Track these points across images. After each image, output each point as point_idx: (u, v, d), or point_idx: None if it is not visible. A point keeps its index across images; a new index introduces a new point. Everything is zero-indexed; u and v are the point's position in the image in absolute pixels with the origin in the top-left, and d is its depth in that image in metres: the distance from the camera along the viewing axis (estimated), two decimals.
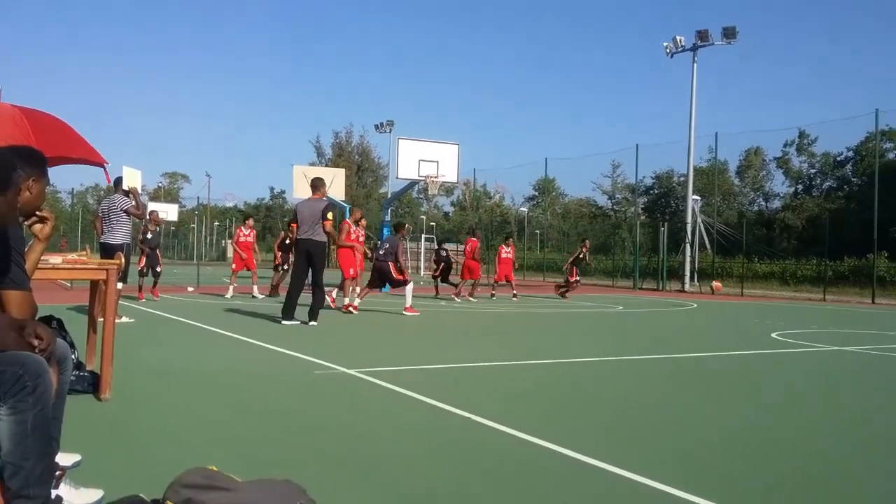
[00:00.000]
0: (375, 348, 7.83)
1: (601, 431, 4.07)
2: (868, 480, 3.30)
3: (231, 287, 14.82)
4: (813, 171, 56.82)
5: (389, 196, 29.21)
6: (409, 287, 12.21)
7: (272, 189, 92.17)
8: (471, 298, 16.81)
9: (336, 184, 23.41)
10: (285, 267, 15.67)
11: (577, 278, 19.39)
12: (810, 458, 3.67)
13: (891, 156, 49.88)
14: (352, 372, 5.62)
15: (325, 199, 10.11)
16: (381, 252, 12.59)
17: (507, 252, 18.69)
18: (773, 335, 10.18)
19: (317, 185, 10.15)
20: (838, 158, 54.27)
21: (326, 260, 10.34)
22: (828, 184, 55.47)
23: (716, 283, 25.74)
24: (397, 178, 20.61)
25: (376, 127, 49.92)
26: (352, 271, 12.78)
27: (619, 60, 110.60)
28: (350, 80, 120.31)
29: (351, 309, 11.76)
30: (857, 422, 4.68)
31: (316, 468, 3.15)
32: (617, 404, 4.95)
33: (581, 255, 19.30)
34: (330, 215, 9.67)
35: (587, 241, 20.21)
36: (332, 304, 12.25)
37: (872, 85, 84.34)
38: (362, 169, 75.93)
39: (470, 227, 20.78)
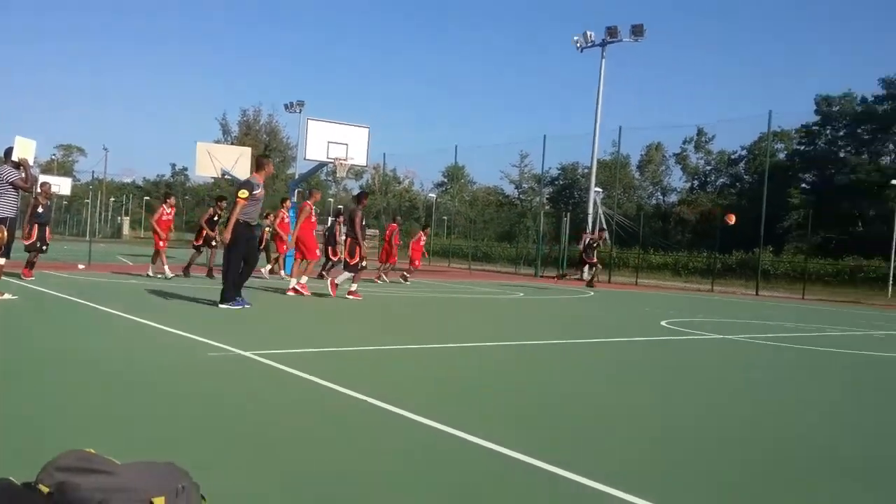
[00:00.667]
0: (281, 331, 7.74)
1: (490, 413, 4.19)
2: (720, 453, 3.54)
3: (166, 266, 14.18)
4: (709, 167, 59.59)
5: (297, 177, 28.71)
6: (349, 272, 11.63)
7: (174, 166, 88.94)
8: (378, 281, 17.10)
9: (242, 163, 22.81)
10: (213, 244, 15.30)
11: (595, 261, 20.33)
12: (679, 435, 3.90)
13: (781, 156, 52.88)
14: (247, 354, 5.54)
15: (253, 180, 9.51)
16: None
17: (423, 240, 19.73)
18: (663, 323, 10.67)
19: (261, 163, 9.70)
20: (732, 157, 57.11)
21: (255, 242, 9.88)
22: (722, 180, 58.32)
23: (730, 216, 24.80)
24: (305, 159, 20.27)
25: (286, 106, 48.92)
26: (317, 252, 12.89)
27: (531, 51, 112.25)
28: (260, 58, 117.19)
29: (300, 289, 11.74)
30: (724, 403, 4.99)
31: (202, 450, 3.11)
32: (510, 387, 5.10)
33: (593, 243, 20.08)
34: (243, 193, 9.15)
35: (603, 231, 21.21)
36: (332, 293, 11.72)
37: (766, 87, 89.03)
38: (270, 148, 74.27)
39: (392, 212, 21.31)
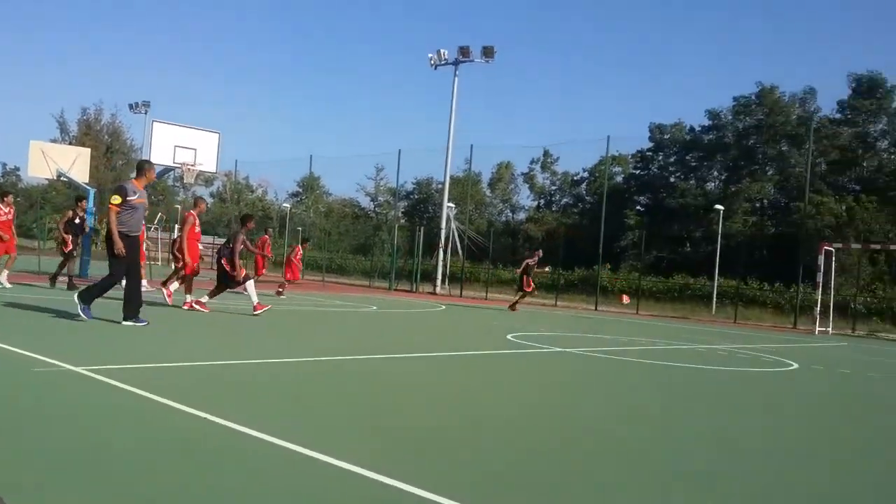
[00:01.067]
0: (125, 345, 7.32)
1: (332, 426, 4.21)
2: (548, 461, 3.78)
3: (5, 272, 12.97)
4: (554, 187, 62.46)
5: None
6: (250, 284, 11.27)
7: (4, 165, 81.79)
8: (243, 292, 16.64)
9: (80, 164, 21.41)
10: (74, 253, 14.30)
11: (532, 288, 20.07)
12: (519, 449, 4.11)
13: (618, 179, 56.40)
14: (78, 369, 5.23)
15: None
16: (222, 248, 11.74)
17: (300, 254, 19.73)
18: (509, 336, 11.09)
19: (141, 168, 8.94)
20: (575, 178, 60.22)
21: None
22: (566, 200, 61.31)
23: (625, 297, 25.86)
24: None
25: (130, 107, 46.51)
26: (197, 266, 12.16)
27: (390, 65, 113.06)
28: (102, 53, 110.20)
29: (196, 306, 11.12)
30: (565, 414, 5.29)
31: (15, 467, 2.93)
32: (352, 400, 5.13)
33: (533, 264, 19.83)
34: (115, 199, 8.47)
35: (539, 251, 20.86)
36: (168, 301, 11.53)
37: (606, 113, 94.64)
38: (112, 150, 70.16)
39: (265, 224, 21.14)
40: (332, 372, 6.51)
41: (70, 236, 14.32)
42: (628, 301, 24.83)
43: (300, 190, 68.91)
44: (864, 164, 46.96)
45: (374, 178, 66.45)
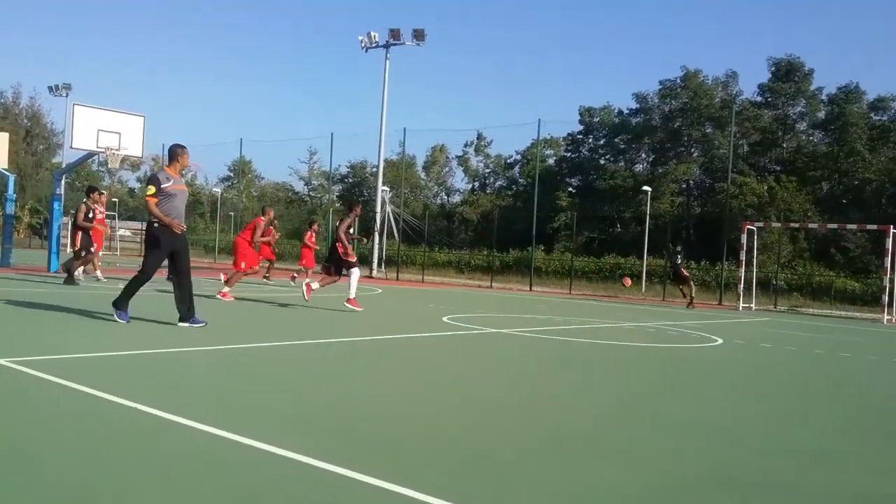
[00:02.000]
0: (64, 335, 7.11)
1: (264, 412, 4.23)
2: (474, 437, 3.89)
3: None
4: (488, 170, 62.97)
5: (64, 166, 26.29)
6: (355, 272, 11.69)
7: None
8: (293, 283, 17.56)
9: None
10: (92, 249, 14.11)
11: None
12: (451, 424, 4.21)
13: (550, 161, 57.21)
14: (3, 361, 5.08)
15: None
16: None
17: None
18: (445, 319, 11.21)
19: (173, 154, 8.28)
20: (508, 161, 60.83)
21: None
22: (499, 183, 61.90)
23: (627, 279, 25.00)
24: (72, 147, 18.69)
25: (50, 89, 44.69)
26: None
27: (321, 48, 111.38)
28: (20, 33, 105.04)
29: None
30: (498, 394, 5.43)
31: None
32: (289, 386, 5.15)
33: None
34: (149, 189, 7.96)
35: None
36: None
37: (538, 96, 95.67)
38: (32, 134, 67.34)
39: (262, 205, 20.42)
40: (254, 359, 6.48)
41: (81, 232, 14.05)
42: (630, 284, 24.29)
43: (231, 174, 67.53)
44: (784, 146, 48.89)
45: (307, 162, 65.71)
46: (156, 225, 7.91)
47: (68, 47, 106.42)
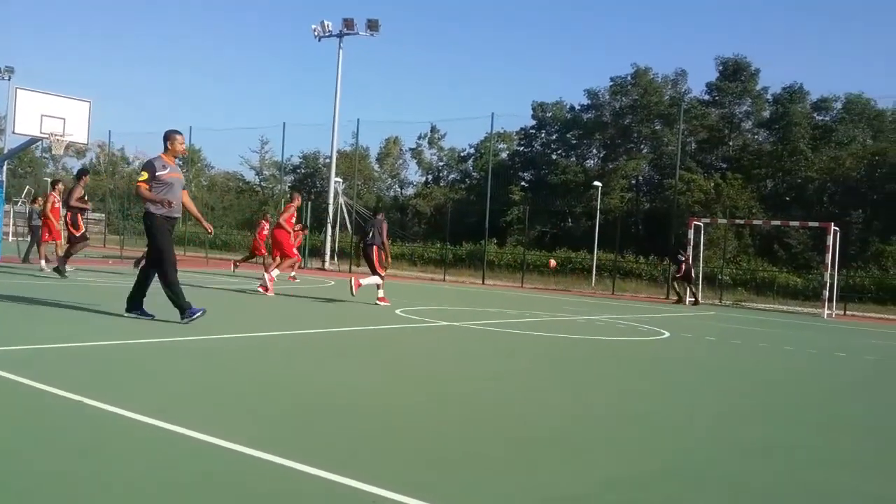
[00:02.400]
0: (14, 326, 6.88)
1: (205, 404, 4.18)
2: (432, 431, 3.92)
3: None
4: (441, 163, 62.96)
5: (6, 152, 25.42)
6: (375, 278, 12.13)
7: None
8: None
9: None
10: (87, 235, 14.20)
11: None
12: (408, 417, 4.22)
13: (503, 155, 57.50)
14: None
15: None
16: (367, 237, 12.58)
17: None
18: (397, 311, 11.20)
19: (169, 138, 7.91)
20: (462, 154, 60.93)
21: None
22: (453, 176, 61.96)
23: (552, 262, 25.92)
24: (14, 132, 18.05)
25: None
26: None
27: (273, 35, 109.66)
28: None
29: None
30: (455, 389, 5.46)
31: None
32: (236, 378, 5.09)
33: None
34: (142, 175, 7.72)
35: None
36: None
37: (491, 90, 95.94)
38: None
39: (292, 191, 19.30)
40: (213, 350, 6.40)
41: (71, 214, 13.90)
42: (555, 265, 25.42)
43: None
44: (731, 144, 50.04)
45: (258, 152, 64.73)
46: (152, 210, 7.69)
47: (10, 29, 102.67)
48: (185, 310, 7.61)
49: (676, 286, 21.18)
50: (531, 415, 4.56)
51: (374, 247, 12.35)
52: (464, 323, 10.26)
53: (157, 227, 7.67)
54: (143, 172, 7.80)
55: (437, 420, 4.25)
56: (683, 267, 20.23)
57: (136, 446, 3.26)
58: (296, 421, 3.94)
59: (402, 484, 2.90)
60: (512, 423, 4.30)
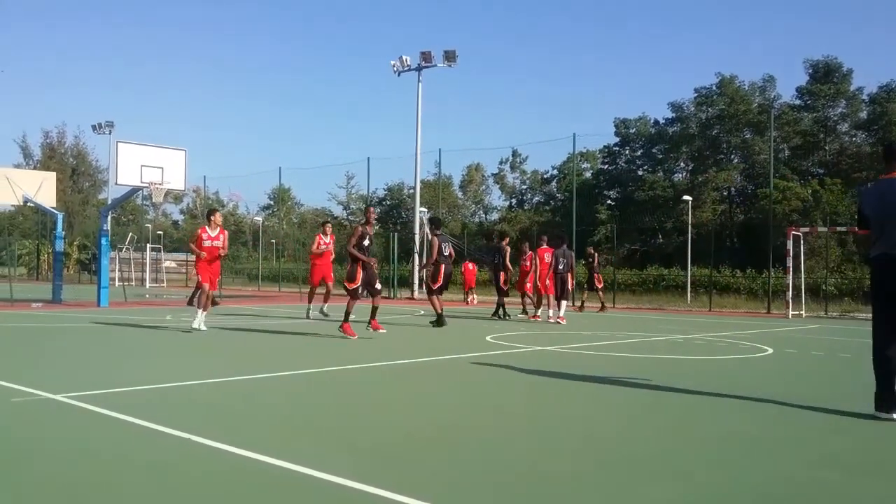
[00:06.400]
0: (106, 368, 7.25)
1: (305, 435, 4.22)
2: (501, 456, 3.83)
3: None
4: (524, 186, 62.81)
5: (109, 202, 26.98)
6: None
7: None
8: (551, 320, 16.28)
9: (46, 188, 21.13)
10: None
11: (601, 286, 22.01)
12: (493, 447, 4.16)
13: (587, 175, 56.84)
14: (57, 397, 5.18)
15: None
16: (559, 266, 14.20)
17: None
18: (488, 338, 11.15)
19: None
20: (545, 176, 60.59)
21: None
22: (537, 198, 61.65)
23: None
24: (117, 184, 19.15)
25: (94, 128, 46.05)
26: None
27: (354, 73, 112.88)
28: (63, 73, 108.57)
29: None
30: (544, 413, 5.35)
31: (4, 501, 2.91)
32: (340, 411, 5.15)
33: (593, 261, 21.87)
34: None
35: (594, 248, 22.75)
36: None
37: (571, 111, 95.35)
38: (78, 173, 69.30)
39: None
40: (317, 383, 6.50)
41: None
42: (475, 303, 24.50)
43: (271, 202, 68.55)
44: (827, 148, 47.83)
45: (345, 187, 66.37)
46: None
47: (110, 83, 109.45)
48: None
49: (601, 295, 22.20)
50: (646, 439, 4.40)
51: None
52: (557, 347, 10.10)
53: None
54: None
55: (542, 450, 4.17)
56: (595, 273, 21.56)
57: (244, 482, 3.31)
58: (396, 454, 3.95)
59: None
60: (626, 450, 4.16)
